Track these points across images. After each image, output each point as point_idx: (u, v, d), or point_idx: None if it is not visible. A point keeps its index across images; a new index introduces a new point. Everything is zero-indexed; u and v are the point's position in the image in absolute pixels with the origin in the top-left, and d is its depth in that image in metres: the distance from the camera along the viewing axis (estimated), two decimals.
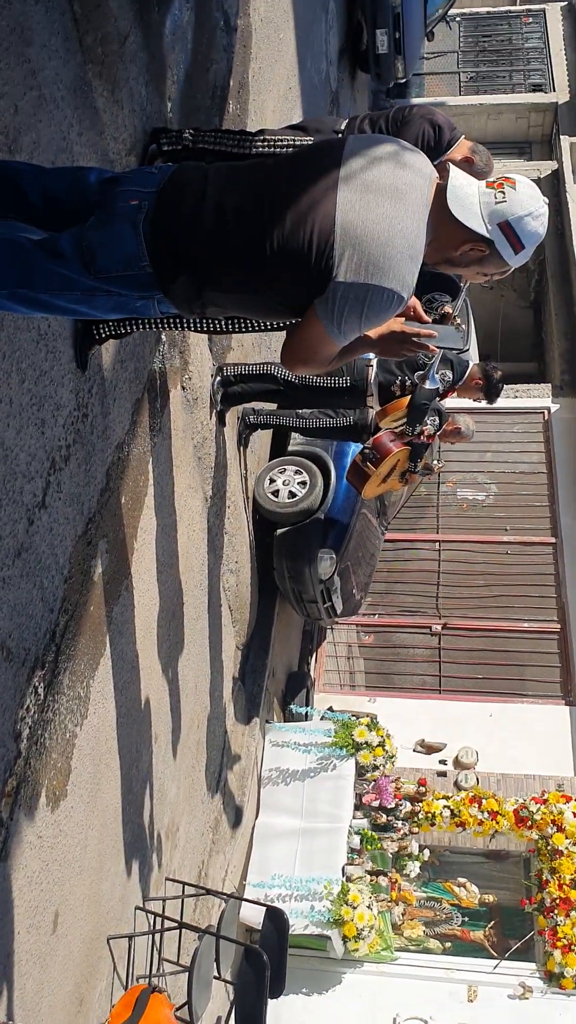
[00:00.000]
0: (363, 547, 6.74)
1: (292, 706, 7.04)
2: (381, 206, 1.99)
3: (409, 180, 2.04)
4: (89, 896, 3.58)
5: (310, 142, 3.63)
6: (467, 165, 3.59)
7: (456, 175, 2.09)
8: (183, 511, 4.52)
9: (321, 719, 6.80)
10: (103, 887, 3.74)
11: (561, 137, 11.72)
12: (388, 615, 8.49)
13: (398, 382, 4.93)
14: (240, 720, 6.15)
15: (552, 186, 11.39)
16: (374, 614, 8.44)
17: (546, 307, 11.63)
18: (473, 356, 8.39)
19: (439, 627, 8.24)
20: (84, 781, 3.43)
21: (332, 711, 7.04)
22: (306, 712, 6.92)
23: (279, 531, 6.34)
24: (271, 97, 5.89)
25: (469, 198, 2.07)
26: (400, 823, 6.62)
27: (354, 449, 5.66)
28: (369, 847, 6.36)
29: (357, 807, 6.53)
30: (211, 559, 5.15)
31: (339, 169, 2.03)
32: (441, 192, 2.07)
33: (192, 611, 4.79)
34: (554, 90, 12.74)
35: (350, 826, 6.33)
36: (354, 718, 6.65)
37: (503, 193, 2.06)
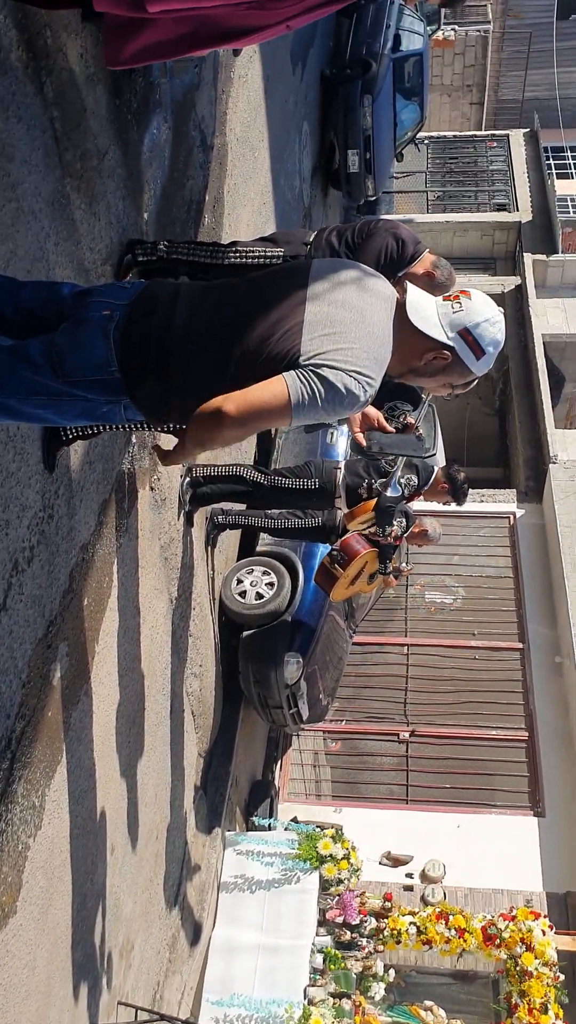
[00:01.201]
0: (330, 650, 6.67)
1: (255, 818, 6.84)
2: (349, 314, 2.06)
3: (371, 301, 2.11)
4: None
5: (280, 253, 3.74)
6: (429, 279, 3.68)
7: (413, 291, 2.18)
8: (147, 613, 4.46)
9: (285, 830, 6.60)
10: (50, 1013, 3.53)
11: (524, 254, 12.25)
12: (355, 721, 8.35)
13: (365, 484, 4.98)
14: (201, 831, 5.95)
15: (515, 300, 11.83)
16: (341, 720, 8.30)
17: (510, 415, 11.92)
18: (440, 461, 8.52)
19: (407, 734, 8.12)
20: (35, 896, 3.28)
21: (296, 822, 6.84)
22: (269, 824, 6.72)
23: (245, 633, 6.26)
24: (245, 212, 6.09)
25: (427, 309, 2.16)
26: (365, 940, 6.37)
27: (322, 550, 5.66)
28: (332, 967, 6.10)
29: (320, 923, 6.28)
30: (175, 662, 5.06)
31: (306, 290, 2.10)
32: (401, 306, 2.15)
33: (153, 716, 4.68)
34: (517, 210, 13.39)
35: (313, 943, 6.08)
36: (319, 829, 6.46)
37: (459, 304, 2.15)
